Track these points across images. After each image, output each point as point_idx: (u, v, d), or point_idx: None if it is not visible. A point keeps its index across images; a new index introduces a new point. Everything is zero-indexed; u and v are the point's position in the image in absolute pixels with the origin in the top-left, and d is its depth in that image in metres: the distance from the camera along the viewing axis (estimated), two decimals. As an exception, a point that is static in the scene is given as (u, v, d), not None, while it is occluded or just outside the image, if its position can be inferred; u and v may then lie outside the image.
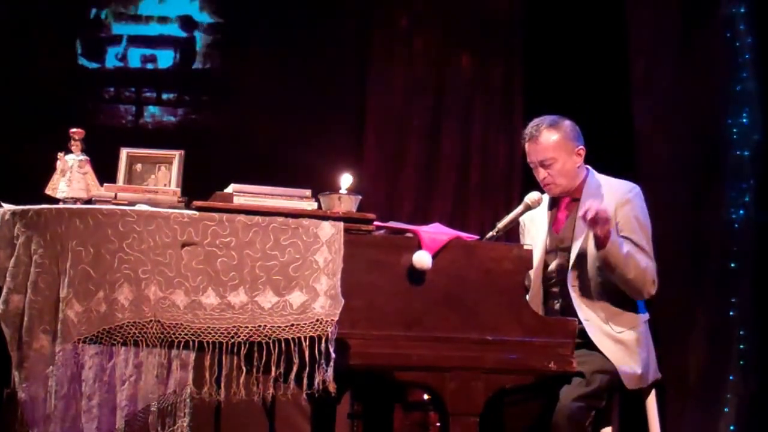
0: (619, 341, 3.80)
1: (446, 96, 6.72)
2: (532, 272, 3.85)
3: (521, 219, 4.05)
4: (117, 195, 3.34)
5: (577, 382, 3.65)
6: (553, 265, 3.96)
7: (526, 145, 3.99)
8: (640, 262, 3.77)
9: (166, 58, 6.82)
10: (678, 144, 5.99)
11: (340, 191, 3.37)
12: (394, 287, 3.29)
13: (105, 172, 3.48)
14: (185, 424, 3.36)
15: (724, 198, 5.89)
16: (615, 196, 3.91)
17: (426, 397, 5.17)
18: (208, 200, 3.24)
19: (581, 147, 3.98)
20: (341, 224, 3.18)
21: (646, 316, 3.92)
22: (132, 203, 3.25)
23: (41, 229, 3.04)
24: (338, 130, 6.66)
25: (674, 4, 6.06)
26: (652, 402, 4.02)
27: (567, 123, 3.99)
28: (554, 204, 4.06)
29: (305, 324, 3.08)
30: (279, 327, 3.07)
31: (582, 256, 3.89)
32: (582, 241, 3.90)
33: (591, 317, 3.80)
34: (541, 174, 3.97)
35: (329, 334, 3.09)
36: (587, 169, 4.03)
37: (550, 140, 3.94)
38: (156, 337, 3.02)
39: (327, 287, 3.11)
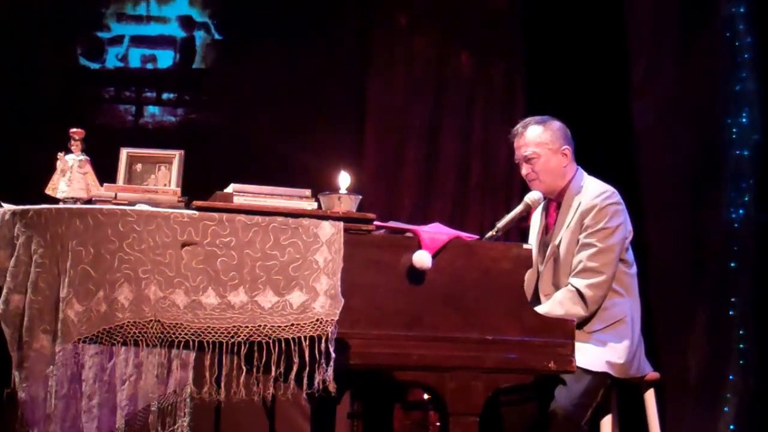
0: (595, 340, 3.82)
1: (446, 95, 6.72)
2: (529, 273, 3.86)
3: (533, 217, 4.10)
4: (117, 195, 3.34)
5: (571, 382, 3.66)
6: (541, 268, 4.00)
7: (514, 142, 4.05)
8: (554, 311, 3.74)
9: (166, 58, 6.82)
10: (678, 143, 5.99)
11: (340, 191, 3.37)
12: (394, 287, 3.29)
13: (105, 172, 3.48)
14: (185, 424, 3.36)
15: (724, 198, 5.89)
16: (584, 203, 3.92)
17: (426, 396, 5.18)
18: (208, 200, 3.25)
19: (567, 147, 4.01)
20: (341, 224, 3.18)
21: (627, 314, 3.92)
22: (132, 203, 3.25)
23: (41, 229, 3.04)
24: (338, 130, 6.66)
25: (674, 4, 6.06)
26: (651, 401, 4.02)
27: (555, 123, 4.04)
28: (546, 207, 4.09)
29: (305, 324, 3.08)
30: (279, 327, 3.07)
31: (556, 261, 3.92)
32: (556, 246, 3.93)
33: None
34: (524, 169, 4.02)
35: (329, 334, 3.09)
36: (576, 171, 4.04)
37: (536, 136, 4.00)
38: (156, 336, 3.02)
39: (327, 287, 3.11)
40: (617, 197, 3.95)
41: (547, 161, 3.98)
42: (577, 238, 3.90)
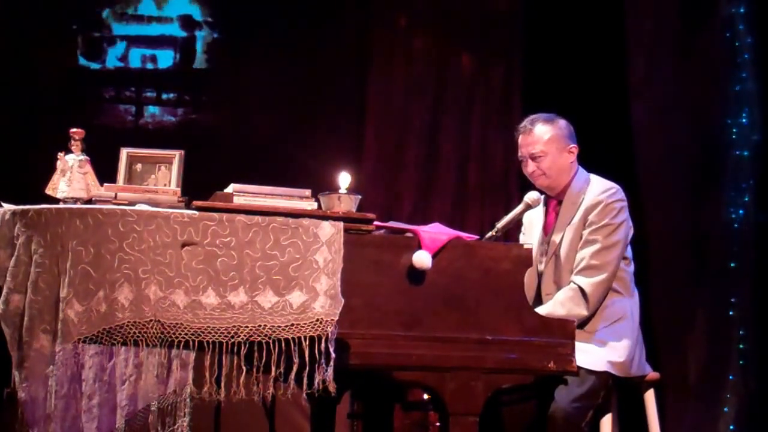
0: (595, 340, 3.82)
1: (446, 96, 6.72)
2: (529, 272, 3.86)
3: (523, 219, 4.08)
4: (117, 195, 3.34)
5: (572, 383, 3.66)
6: (542, 267, 3.99)
7: (520, 138, 4.04)
8: (556, 311, 3.75)
9: (166, 58, 6.82)
10: (677, 144, 5.99)
11: (340, 191, 3.37)
12: (393, 287, 3.29)
13: (105, 172, 3.48)
14: (185, 424, 3.36)
15: (724, 198, 5.89)
16: (588, 199, 3.92)
17: (426, 397, 5.17)
18: (208, 200, 3.25)
19: (574, 146, 4.02)
20: (341, 224, 3.18)
21: (626, 312, 3.92)
22: (132, 203, 3.26)
23: (41, 229, 3.04)
24: (338, 130, 6.66)
25: (674, 4, 6.06)
26: (651, 401, 4.02)
27: (562, 121, 4.04)
28: (546, 206, 4.09)
29: (305, 324, 3.08)
30: (279, 327, 3.07)
31: (557, 259, 3.92)
32: (557, 244, 3.93)
33: None
34: (530, 167, 4.00)
35: (329, 334, 3.09)
36: (578, 169, 4.04)
37: (544, 134, 3.99)
38: (156, 336, 3.02)
39: (327, 287, 3.11)
40: (622, 194, 3.96)
41: (555, 159, 3.97)
42: (581, 234, 3.90)
